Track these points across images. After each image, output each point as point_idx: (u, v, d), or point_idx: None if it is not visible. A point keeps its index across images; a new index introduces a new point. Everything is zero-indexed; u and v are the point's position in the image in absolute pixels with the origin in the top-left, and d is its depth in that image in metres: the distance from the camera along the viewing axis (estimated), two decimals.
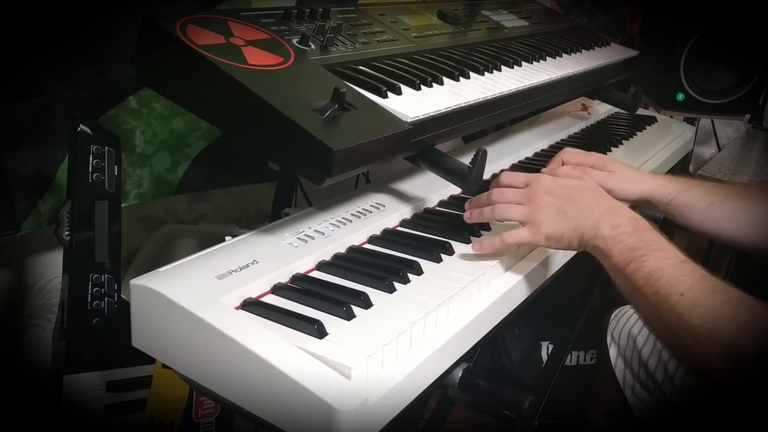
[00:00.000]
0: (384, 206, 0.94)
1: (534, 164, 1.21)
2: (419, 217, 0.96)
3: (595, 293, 1.48)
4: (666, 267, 0.71)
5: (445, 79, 1.00)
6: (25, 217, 1.14)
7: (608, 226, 0.76)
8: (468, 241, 0.87)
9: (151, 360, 0.80)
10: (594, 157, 1.00)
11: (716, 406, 0.98)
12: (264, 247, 0.79)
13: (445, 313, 0.72)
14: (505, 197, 0.84)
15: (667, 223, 1.31)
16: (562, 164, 1.00)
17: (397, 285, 0.75)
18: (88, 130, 1.01)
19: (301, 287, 0.74)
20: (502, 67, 1.13)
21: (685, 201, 0.97)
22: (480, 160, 0.87)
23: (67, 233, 1.01)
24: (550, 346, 1.68)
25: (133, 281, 0.69)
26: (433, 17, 1.23)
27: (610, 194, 0.94)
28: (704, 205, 0.96)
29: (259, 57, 0.82)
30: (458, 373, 0.75)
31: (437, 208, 1.00)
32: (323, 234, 0.84)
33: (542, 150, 1.30)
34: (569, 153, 1.00)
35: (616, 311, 1.22)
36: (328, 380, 0.59)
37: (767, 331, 0.62)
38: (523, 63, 1.19)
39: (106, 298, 1.04)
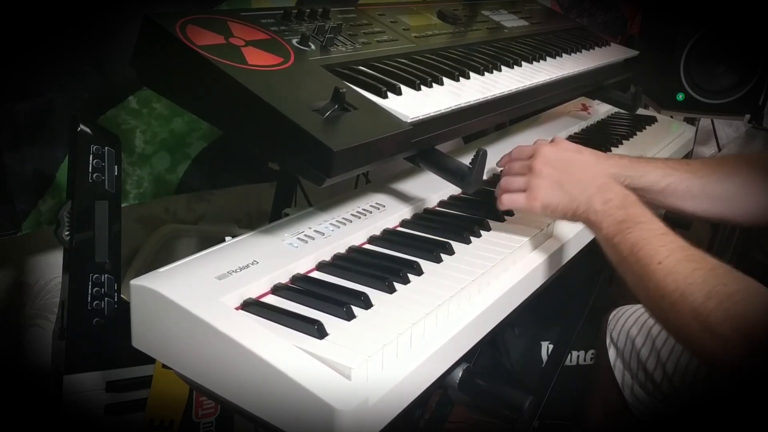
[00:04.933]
0: (384, 206, 0.94)
1: None
2: (419, 217, 0.96)
3: (595, 293, 1.48)
4: (648, 238, 0.76)
5: (445, 80, 1.00)
6: (25, 217, 1.14)
7: (600, 201, 0.82)
8: (468, 242, 0.87)
9: (151, 360, 0.80)
10: None
11: (714, 406, 0.98)
12: (264, 247, 0.79)
13: (445, 314, 0.72)
14: (510, 181, 0.89)
15: (666, 221, 1.32)
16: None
17: (397, 285, 0.75)
18: (88, 130, 1.01)
19: (301, 287, 0.74)
20: (502, 67, 1.13)
21: (641, 184, 1.01)
22: (480, 160, 0.88)
23: (67, 233, 1.01)
24: (550, 346, 1.68)
25: (133, 281, 0.69)
26: (433, 17, 1.23)
27: None
28: (660, 187, 1.01)
29: (259, 57, 0.82)
30: (458, 373, 0.75)
31: (437, 208, 1.00)
32: (323, 234, 0.84)
33: None
34: (522, 151, 1.01)
35: (615, 312, 1.22)
36: (328, 380, 0.59)
37: (733, 297, 0.68)
38: (523, 63, 1.19)
39: (106, 298, 1.04)
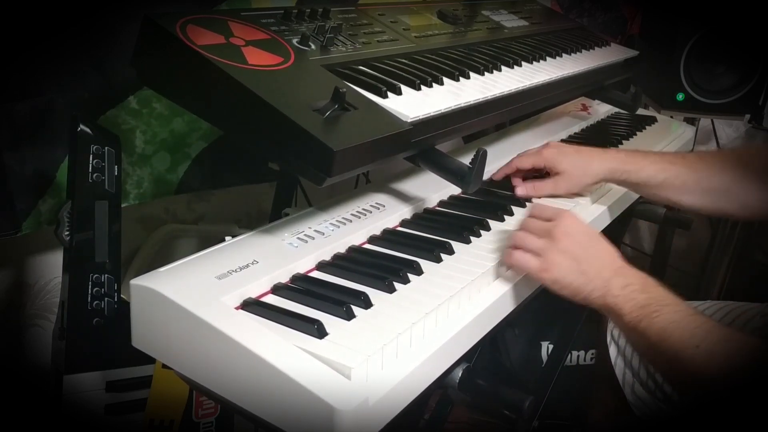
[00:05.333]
0: (384, 206, 0.94)
1: None
2: (419, 217, 0.96)
3: None
4: (678, 321, 0.72)
5: (445, 79, 1.00)
6: (25, 217, 1.14)
7: (618, 286, 0.77)
8: (468, 241, 0.87)
9: (151, 360, 0.80)
10: (545, 155, 1.05)
11: (717, 406, 0.98)
12: (264, 247, 0.79)
13: (445, 314, 0.72)
14: (526, 239, 0.82)
15: (667, 220, 1.32)
16: (517, 170, 1.07)
17: (397, 285, 0.75)
18: (88, 130, 1.01)
19: (301, 287, 0.74)
20: (502, 67, 1.13)
21: (639, 179, 1.03)
22: (480, 160, 0.88)
23: (67, 233, 1.01)
24: (550, 346, 1.68)
25: (133, 281, 0.69)
26: (433, 17, 1.23)
27: (565, 194, 1.03)
28: (657, 181, 1.02)
29: (259, 57, 0.82)
30: (458, 373, 0.75)
31: (437, 208, 1.00)
32: (323, 234, 0.84)
33: None
34: (522, 160, 1.06)
35: None
36: (328, 380, 0.59)
37: None
38: (523, 63, 1.19)
39: (106, 298, 1.04)
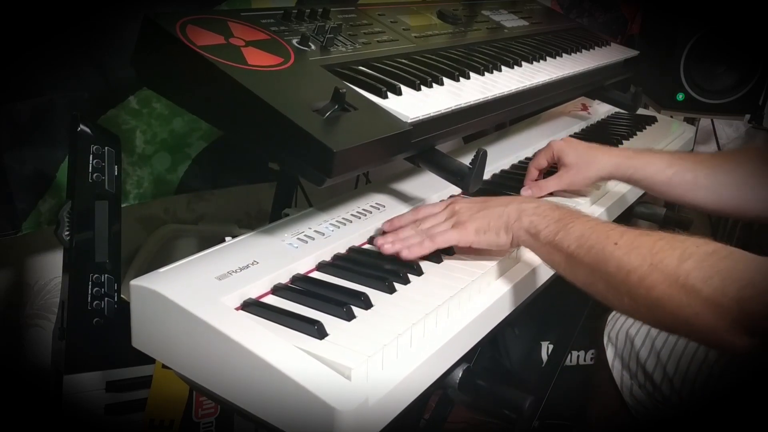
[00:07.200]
0: (384, 206, 0.94)
1: None
2: None
3: None
4: (593, 226, 0.74)
5: (445, 80, 1.00)
6: (25, 217, 1.14)
7: (531, 207, 0.81)
8: None
9: (151, 360, 0.80)
10: (554, 146, 1.06)
11: (716, 408, 0.98)
12: (264, 247, 0.79)
13: (445, 314, 0.72)
14: (435, 222, 0.85)
15: (667, 220, 1.32)
16: (538, 173, 1.08)
17: (397, 286, 0.75)
18: (88, 130, 1.01)
19: (301, 288, 0.74)
20: (502, 67, 1.13)
21: (645, 175, 1.01)
22: (480, 160, 0.88)
23: (67, 233, 1.01)
24: (550, 346, 1.68)
25: (133, 282, 0.69)
26: (433, 17, 1.23)
27: (569, 189, 1.04)
28: (665, 177, 1.00)
29: (259, 57, 0.82)
30: (458, 373, 0.75)
31: None
32: (323, 234, 0.84)
33: None
34: (536, 160, 1.08)
35: (614, 312, 1.22)
36: (329, 381, 0.59)
37: (715, 254, 0.63)
38: (523, 63, 1.19)
39: (106, 298, 1.04)
